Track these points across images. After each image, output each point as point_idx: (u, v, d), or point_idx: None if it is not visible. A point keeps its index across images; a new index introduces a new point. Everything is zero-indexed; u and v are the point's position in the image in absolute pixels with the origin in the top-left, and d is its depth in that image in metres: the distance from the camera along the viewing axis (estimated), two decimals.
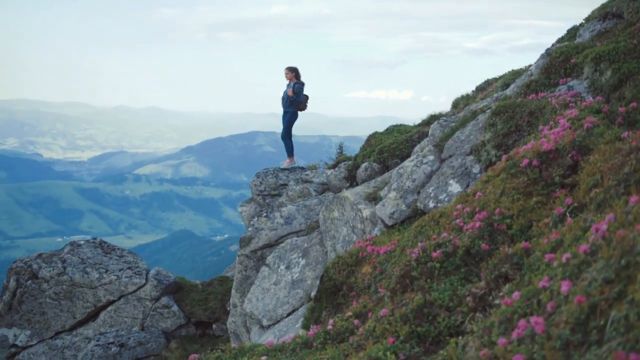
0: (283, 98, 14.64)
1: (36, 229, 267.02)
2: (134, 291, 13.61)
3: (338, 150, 15.02)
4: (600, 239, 3.26)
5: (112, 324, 13.65)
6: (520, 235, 4.69)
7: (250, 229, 10.46)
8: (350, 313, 5.18)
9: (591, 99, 6.52)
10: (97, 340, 12.85)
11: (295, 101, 14.20)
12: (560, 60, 7.39)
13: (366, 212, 7.87)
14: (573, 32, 9.98)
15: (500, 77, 10.32)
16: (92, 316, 13.97)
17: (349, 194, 8.38)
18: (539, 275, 3.76)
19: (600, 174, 4.43)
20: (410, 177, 7.59)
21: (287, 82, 14.55)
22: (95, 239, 15.28)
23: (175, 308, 13.63)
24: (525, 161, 5.14)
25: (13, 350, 13.96)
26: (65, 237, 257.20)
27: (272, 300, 8.72)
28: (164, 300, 13.64)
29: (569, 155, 5.07)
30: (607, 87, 6.45)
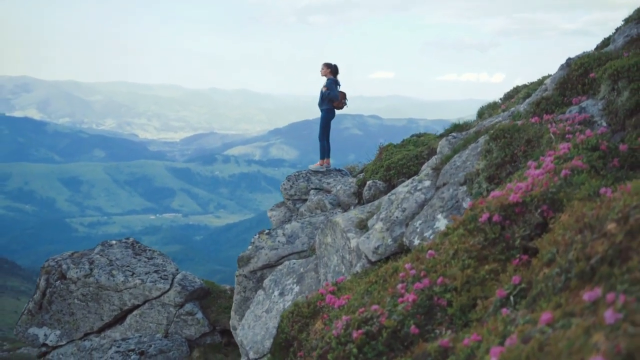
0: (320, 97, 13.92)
1: (131, 206, 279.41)
2: (158, 296, 13.27)
3: (377, 152, 13.63)
4: None
5: (138, 329, 13.40)
6: (460, 317, 3.74)
7: (250, 247, 9.77)
8: None
9: (604, 125, 5.40)
10: (118, 347, 12.59)
11: (329, 97, 13.38)
12: (579, 74, 6.22)
13: (354, 242, 6.99)
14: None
15: (530, 85, 9.05)
16: (120, 319, 13.78)
17: (340, 219, 7.51)
18: None
19: (557, 247, 3.44)
20: (400, 205, 6.64)
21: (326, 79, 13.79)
22: (128, 238, 15.07)
23: (199, 315, 13.19)
24: (485, 215, 4.15)
25: (44, 349, 14.00)
26: (157, 215, 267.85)
27: (261, 330, 8.01)
28: (188, 306, 13.23)
29: (538, 210, 4.06)
30: (622, 112, 5.29)
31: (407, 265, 4.44)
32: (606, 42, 8.04)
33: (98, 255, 14.07)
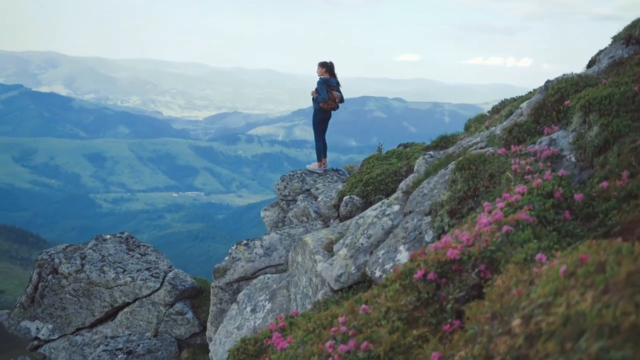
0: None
1: (154, 183, 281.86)
2: (148, 295, 13.17)
3: (375, 153, 13.07)
4: None
5: (129, 326, 13.33)
6: None
7: (227, 257, 9.55)
8: None
9: (573, 161, 5.07)
10: (106, 345, 12.54)
11: (316, 100, 12.92)
12: (554, 100, 5.84)
13: (319, 266, 6.73)
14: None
15: (518, 99, 8.60)
16: (111, 315, 13.72)
17: (309, 239, 7.23)
18: None
19: (479, 325, 3.17)
20: (366, 231, 6.36)
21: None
22: (122, 233, 14.96)
23: (189, 315, 13.06)
24: (420, 272, 3.86)
25: (36, 343, 14.01)
26: (180, 193, 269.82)
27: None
28: (178, 306, 13.10)
29: (475, 270, 3.77)
30: (590, 148, 4.94)
31: (341, 319, 4.17)
32: (598, 56, 7.65)
33: (91, 250, 13.99)
